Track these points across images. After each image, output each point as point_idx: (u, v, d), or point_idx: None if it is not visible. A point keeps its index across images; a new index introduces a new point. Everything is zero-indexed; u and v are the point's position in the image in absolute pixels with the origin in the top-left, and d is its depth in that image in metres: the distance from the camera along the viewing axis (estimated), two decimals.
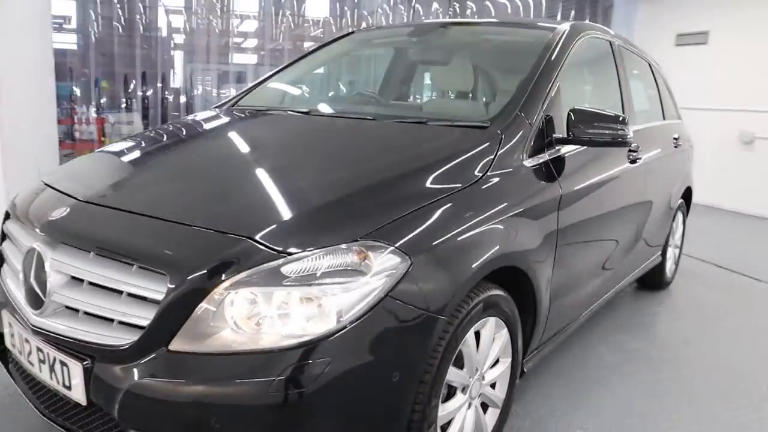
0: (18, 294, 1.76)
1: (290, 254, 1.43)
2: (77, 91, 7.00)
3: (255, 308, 1.41)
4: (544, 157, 2.17)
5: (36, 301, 1.63)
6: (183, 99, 7.69)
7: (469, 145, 1.96)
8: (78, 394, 1.53)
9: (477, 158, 1.91)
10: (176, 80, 7.87)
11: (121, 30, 7.27)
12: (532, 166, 2.09)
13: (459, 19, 2.92)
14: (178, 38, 7.78)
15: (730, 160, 7.35)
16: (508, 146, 2.01)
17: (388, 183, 1.73)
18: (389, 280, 1.46)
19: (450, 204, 1.71)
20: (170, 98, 7.64)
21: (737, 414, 2.51)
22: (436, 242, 1.60)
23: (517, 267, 1.91)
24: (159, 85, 7.68)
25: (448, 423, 1.79)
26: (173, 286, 1.40)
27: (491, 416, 2.01)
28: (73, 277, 1.59)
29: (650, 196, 3.25)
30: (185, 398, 1.40)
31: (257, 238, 1.45)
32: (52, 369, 1.60)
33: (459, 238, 1.66)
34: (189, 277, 1.40)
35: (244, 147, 2.26)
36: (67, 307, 1.61)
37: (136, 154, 2.29)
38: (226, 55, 7.93)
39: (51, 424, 1.71)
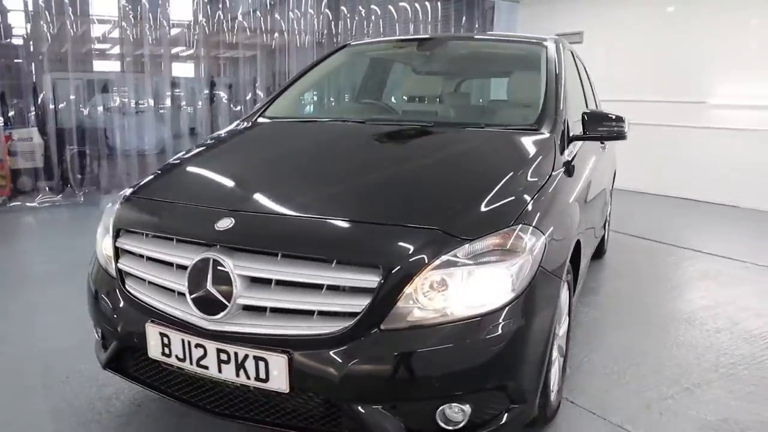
0: (176, 305, 1.87)
1: (470, 240, 1.74)
2: None
3: (443, 285, 1.70)
4: (573, 151, 2.63)
5: (214, 307, 1.77)
6: (86, 110, 7.22)
7: (539, 146, 2.37)
8: (279, 383, 1.72)
9: (548, 156, 2.32)
10: (41, 90, 7.36)
11: None
12: (568, 160, 2.54)
13: (460, 34, 3.34)
14: (39, 46, 7.25)
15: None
16: (557, 145, 2.44)
17: (505, 179, 2.07)
18: (538, 254, 1.83)
19: (547, 193, 2.10)
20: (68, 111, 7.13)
21: (701, 339, 3.17)
22: (552, 223, 1.98)
23: (579, 239, 2.35)
24: (49, 97, 7.17)
25: None
26: (387, 275, 1.66)
27: (560, 362, 2.44)
28: (254, 279, 1.76)
29: (606, 177, 3.87)
30: (411, 366, 1.67)
31: (444, 230, 1.75)
32: (240, 367, 1.75)
33: (561, 218, 2.07)
34: (400, 267, 1.67)
35: (344, 152, 2.48)
36: (245, 309, 1.78)
37: (236, 161, 2.46)
38: (85, 63, 7.53)
39: (227, 419, 1.87)
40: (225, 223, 1.85)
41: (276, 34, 8.04)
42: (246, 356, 1.74)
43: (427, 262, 1.69)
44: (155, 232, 1.99)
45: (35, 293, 3.75)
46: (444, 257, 1.71)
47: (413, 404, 1.74)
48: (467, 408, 1.73)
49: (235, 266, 1.76)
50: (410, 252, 1.70)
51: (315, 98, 3.49)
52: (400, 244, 1.72)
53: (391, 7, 8.94)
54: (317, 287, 1.72)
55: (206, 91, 7.67)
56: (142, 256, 2.01)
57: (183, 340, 1.83)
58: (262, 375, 1.73)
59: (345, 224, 1.83)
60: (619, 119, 2.73)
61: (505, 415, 1.80)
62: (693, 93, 7.53)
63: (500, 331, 1.71)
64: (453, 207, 1.89)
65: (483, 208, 1.89)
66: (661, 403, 2.53)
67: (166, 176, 2.42)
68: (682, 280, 4.36)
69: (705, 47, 7.46)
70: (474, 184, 2.07)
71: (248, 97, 8.07)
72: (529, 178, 2.12)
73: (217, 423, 2.27)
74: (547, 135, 2.47)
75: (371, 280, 1.67)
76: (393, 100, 3.47)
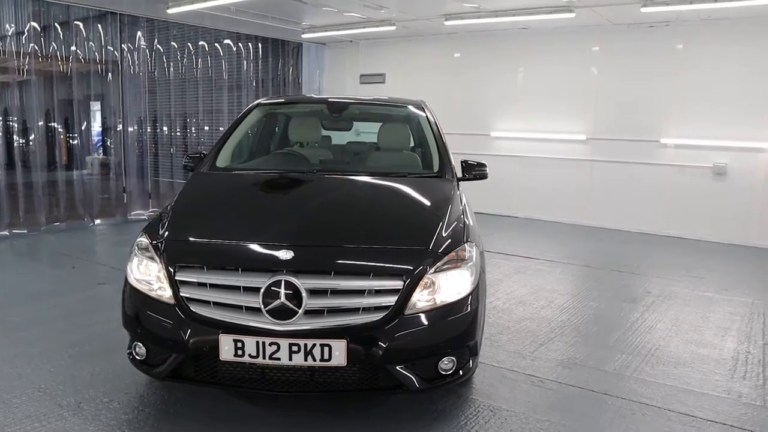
0: (246, 316, 2.52)
1: (445, 254, 2.73)
2: None
3: (434, 285, 2.66)
4: (462, 191, 3.76)
5: (286, 314, 2.49)
6: None
7: (451, 188, 3.43)
8: (339, 360, 2.50)
9: (457, 194, 3.40)
10: None
11: None
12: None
13: (356, 98, 4.28)
14: None
15: None
16: (457, 186, 3.55)
17: (448, 211, 3.08)
18: (477, 259, 2.88)
19: (467, 219, 3.17)
20: None
21: (535, 313, 4.56)
22: (475, 238, 3.04)
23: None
24: None
25: None
26: (407, 279, 2.57)
27: None
28: (313, 291, 2.52)
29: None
30: (422, 337, 2.60)
31: (431, 249, 2.72)
32: (308, 353, 2.49)
33: (476, 234, 3.14)
34: (414, 274, 2.59)
35: (327, 195, 3.30)
36: (305, 312, 2.52)
37: (245, 205, 3.21)
38: None
39: (294, 394, 2.58)
40: (287, 255, 2.58)
41: (111, 65, 8.08)
42: (314, 345, 2.48)
43: (428, 270, 2.64)
44: (220, 266, 2.61)
45: None
46: (436, 266, 2.68)
47: (423, 361, 2.65)
48: (454, 359, 2.71)
49: (302, 283, 2.51)
50: (419, 265, 2.64)
51: (253, 150, 4.20)
52: (411, 260, 2.66)
53: (217, 44, 9.47)
54: (361, 292, 2.55)
55: (41, 122, 7.41)
56: (204, 284, 2.60)
57: (257, 342, 2.49)
58: (326, 356, 2.49)
59: (374, 249, 2.71)
60: (482, 165, 3.96)
61: (470, 363, 2.82)
62: (480, 127, 9.44)
63: (469, 310, 2.72)
64: (430, 232, 2.86)
65: (444, 233, 2.89)
66: (529, 354, 3.79)
67: (191, 220, 3.01)
68: (505, 274, 5.84)
69: (485, 89, 9.43)
70: (433, 214, 3.08)
71: (83, 126, 7.94)
72: (457, 210, 3.19)
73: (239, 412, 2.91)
74: (451, 180, 3.58)
75: (397, 284, 2.57)
76: (324, 153, 4.27)
